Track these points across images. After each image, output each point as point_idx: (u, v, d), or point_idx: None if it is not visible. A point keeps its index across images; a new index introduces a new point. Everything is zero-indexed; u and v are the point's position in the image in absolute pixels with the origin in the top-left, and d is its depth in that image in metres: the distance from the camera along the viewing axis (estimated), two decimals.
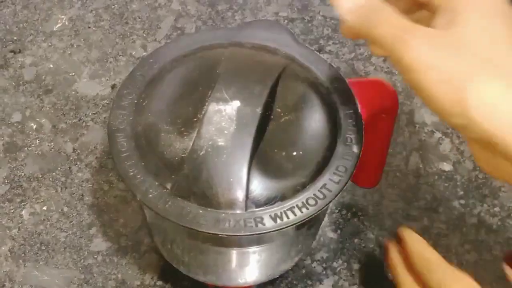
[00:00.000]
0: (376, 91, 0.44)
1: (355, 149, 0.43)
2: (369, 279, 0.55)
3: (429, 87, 0.37)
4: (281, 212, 0.40)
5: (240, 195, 0.40)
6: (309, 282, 0.55)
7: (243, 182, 0.40)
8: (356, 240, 0.57)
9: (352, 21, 0.40)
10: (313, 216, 0.41)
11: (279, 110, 0.43)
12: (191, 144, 0.41)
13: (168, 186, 0.41)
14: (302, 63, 0.45)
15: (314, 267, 0.55)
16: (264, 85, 0.43)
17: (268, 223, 0.40)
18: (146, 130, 0.43)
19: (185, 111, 0.43)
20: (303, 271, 0.55)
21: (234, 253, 0.48)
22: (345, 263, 0.55)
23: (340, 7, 0.41)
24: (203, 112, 0.42)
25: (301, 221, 0.40)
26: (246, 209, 0.40)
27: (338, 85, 0.46)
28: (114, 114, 0.44)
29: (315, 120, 0.43)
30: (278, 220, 0.40)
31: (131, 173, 0.42)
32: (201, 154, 0.40)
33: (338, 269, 0.55)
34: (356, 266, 0.55)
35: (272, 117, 0.43)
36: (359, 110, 0.44)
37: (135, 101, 0.45)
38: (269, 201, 0.41)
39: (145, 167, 0.42)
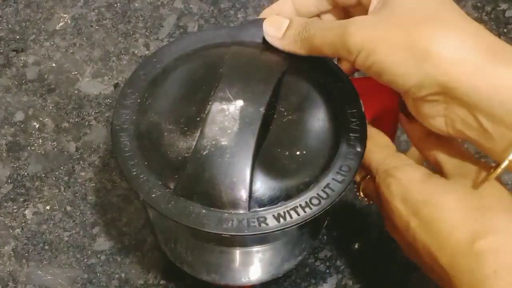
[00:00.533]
0: (380, 90, 0.44)
1: (358, 148, 0.43)
2: (373, 278, 0.55)
3: (382, 59, 0.38)
4: (284, 212, 0.40)
5: (243, 195, 0.40)
6: (313, 281, 0.54)
7: (246, 182, 0.40)
8: (359, 239, 0.57)
9: (288, 47, 0.44)
10: (317, 215, 0.41)
11: (282, 109, 0.43)
12: (194, 143, 0.41)
13: (171, 185, 0.41)
14: (306, 61, 0.45)
15: (318, 265, 0.55)
16: (267, 84, 0.43)
17: (271, 223, 0.40)
18: (149, 130, 0.43)
19: (188, 110, 0.43)
20: (307, 269, 0.55)
21: (237, 252, 0.48)
22: (349, 262, 0.55)
23: (270, 39, 0.45)
24: (206, 112, 0.42)
25: (304, 221, 0.40)
26: (249, 209, 0.40)
27: (342, 83, 0.45)
28: (117, 114, 0.44)
29: (318, 120, 0.43)
30: (282, 220, 0.40)
31: (134, 173, 0.42)
32: (204, 153, 0.40)
33: (342, 267, 0.55)
34: (359, 264, 0.55)
35: (275, 116, 0.43)
36: (363, 109, 0.44)
37: (138, 100, 0.45)
38: (272, 201, 0.41)
39: (148, 166, 0.42)
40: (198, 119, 0.42)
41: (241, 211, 0.40)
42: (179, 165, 0.41)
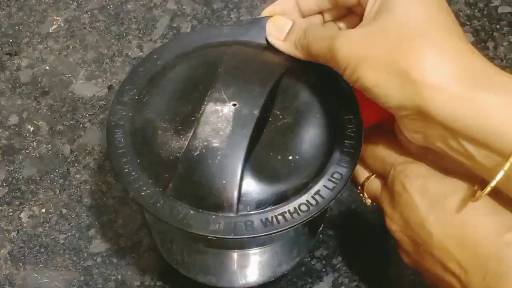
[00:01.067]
0: None
1: (352, 156, 0.42)
2: (369, 276, 0.55)
3: (364, 78, 0.39)
4: (272, 217, 0.40)
5: (232, 197, 0.40)
6: (309, 280, 0.54)
7: (235, 185, 0.39)
8: (355, 237, 0.57)
9: (288, 50, 0.44)
10: (304, 222, 0.40)
11: (278, 112, 0.43)
12: (186, 143, 0.41)
13: (162, 185, 0.41)
14: (305, 64, 0.45)
15: (314, 264, 0.55)
16: (264, 86, 0.42)
17: (258, 227, 0.40)
18: (144, 127, 0.43)
19: (184, 109, 0.43)
20: (303, 268, 0.55)
21: (234, 255, 0.48)
22: (345, 260, 0.55)
23: (272, 40, 0.45)
24: (200, 111, 0.41)
25: (292, 226, 0.40)
26: (237, 212, 0.40)
27: (340, 88, 0.45)
28: (113, 110, 0.44)
29: (313, 124, 0.43)
30: (269, 225, 0.40)
31: (126, 170, 0.41)
32: (195, 154, 0.40)
33: (338, 266, 0.55)
34: (355, 263, 0.55)
35: (270, 119, 0.42)
36: (360, 115, 0.44)
37: (136, 97, 0.44)
38: (261, 205, 0.40)
39: (140, 164, 0.42)
40: (193, 118, 0.42)
41: (229, 214, 0.40)
42: (171, 165, 0.41)
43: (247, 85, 0.42)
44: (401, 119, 0.40)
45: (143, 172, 0.41)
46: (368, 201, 0.48)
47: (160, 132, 0.42)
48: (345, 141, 0.43)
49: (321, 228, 0.52)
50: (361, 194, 0.48)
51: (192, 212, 0.40)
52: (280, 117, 0.43)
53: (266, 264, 0.49)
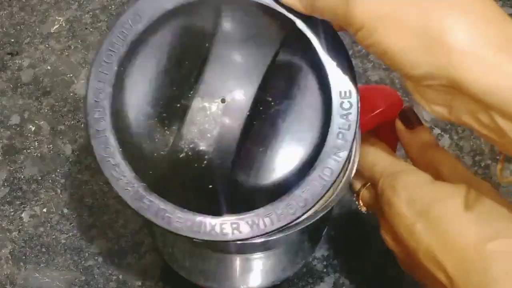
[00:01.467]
0: (380, 100, 0.42)
1: (344, 149, 0.39)
2: (370, 277, 0.55)
3: (386, 42, 0.34)
4: (258, 219, 0.38)
5: (218, 200, 0.38)
6: (310, 280, 0.55)
7: (223, 190, 0.38)
8: (356, 238, 0.57)
9: (288, 1, 0.38)
10: (292, 223, 0.38)
11: (270, 99, 0.39)
12: (171, 140, 0.38)
13: (146, 181, 0.38)
14: (304, 26, 0.39)
15: (315, 265, 0.55)
16: (256, 73, 0.38)
17: (245, 230, 0.38)
18: (126, 110, 0.39)
19: (168, 91, 0.39)
20: (304, 269, 0.55)
21: (236, 259, 0.47)
22: (346, 261, 0.55)
23: None
24: (187, 103, 0.38)
25: (279, 228, 0.38)
26: (223, 215, 0.38)
27: (338, 61, 0.40)
28: (92, 84, 0.39)
29: (306, 108, 0.40)
30: (255, 228, 0.38)
31: (108, 161, 0.38)
32: (180, 156, 0.38)
33: (339, 266, 0.55)
34: (356, 263, 0.55)
35: (261, 108, 0.39)
36: (357, 87, 0.40)
37: (115, 68, 0.39)
38: (249, 207, 0.38)
39: (123, 154, 0.38)
40: (179, 105, 0.38)
41: (215, 217, 0.38)
42: (155, 162, 0.38)
43: (237, 72, 0.38)
44: (424, 90, 0.36)
45: (126, 164, 0.38)
46: (364, 209, 0.47)
47: (142, 118, 0.38)
48: (339, 128, 0.39)
49: (325, 230, 0.51)
50: (356, 202, 0.47)
51: (177, 212, 0.38)
52: (272, 103, 0.39)
53: (270, 269, 0.48)
